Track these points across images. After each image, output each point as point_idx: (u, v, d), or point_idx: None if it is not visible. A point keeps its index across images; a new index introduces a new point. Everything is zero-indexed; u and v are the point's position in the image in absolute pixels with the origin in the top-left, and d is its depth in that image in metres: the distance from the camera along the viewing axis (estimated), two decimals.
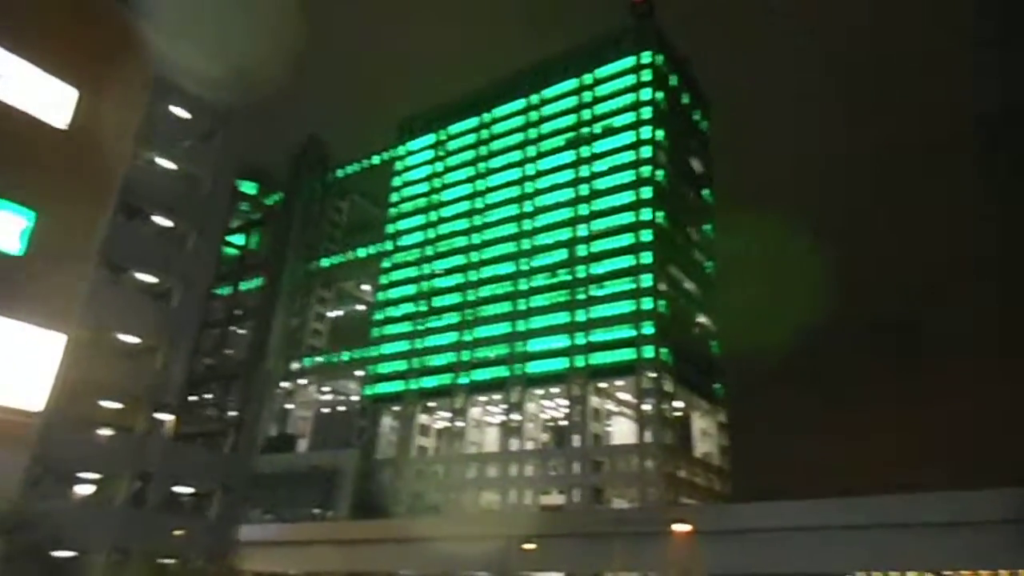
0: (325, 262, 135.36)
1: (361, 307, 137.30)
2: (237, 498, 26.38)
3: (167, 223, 29.77)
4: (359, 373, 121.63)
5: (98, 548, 23.51)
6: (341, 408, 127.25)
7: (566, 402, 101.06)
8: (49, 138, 21.07)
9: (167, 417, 28.94)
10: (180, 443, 30.59)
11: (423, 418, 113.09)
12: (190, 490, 29.82)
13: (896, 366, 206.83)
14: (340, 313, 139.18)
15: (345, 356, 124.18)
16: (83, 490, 23.82)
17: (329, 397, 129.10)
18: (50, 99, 21.53)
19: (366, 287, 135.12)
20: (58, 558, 18.76)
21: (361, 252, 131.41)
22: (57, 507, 18.85)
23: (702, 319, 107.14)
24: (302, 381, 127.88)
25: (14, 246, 20.19)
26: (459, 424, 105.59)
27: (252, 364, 37.35)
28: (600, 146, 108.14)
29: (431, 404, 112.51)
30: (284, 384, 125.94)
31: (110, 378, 25.54)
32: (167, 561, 24.29)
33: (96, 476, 24.87)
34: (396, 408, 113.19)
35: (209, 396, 38.69)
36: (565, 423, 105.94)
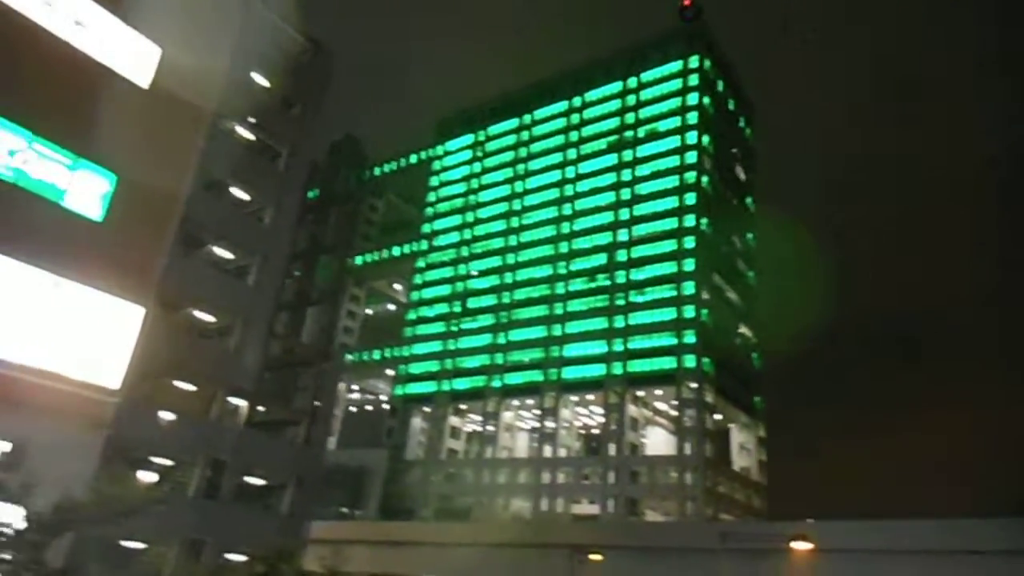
0: (358, 260, 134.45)
1: (392, 306, 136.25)
2: (309, 493, 24.87)
3: (244, 196, 28.43)
4: (390, 372, 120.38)
5: (169, 540, 22.11)
6: (370, 407, 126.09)
7: (600, 410, 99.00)
8: (131, 97, 19.79)
9: (241, 403, 27.52)
10: (254, 431, 29.14)
11: (454, 420, 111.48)
12: (261, 482, 28.31)
13: (927, 381, 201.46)
14: (372, 312, 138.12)
15: (376, 355, 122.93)
16: (148, 476, 22.39)
17: (358, 396, 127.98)
18: (133, 55, 20.27)
19: (398, 286, 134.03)
20: (128, 548, 17.23)
21: (395, 251, 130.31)
22: (127, 494, 17.28)
23: (743, 330, 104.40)
24: None
25: (94, 211, 18.90)
26: (491, 428, 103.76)
27: (323, 352, 35.88)
28: (643, 150, 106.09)
29: (462, 407, 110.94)
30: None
31: (184, 358, 24.13)
32: (240, 558, 22.71)
33: (167, 462, 23.45)
34: (427, 409, 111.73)
35: (279, 383, 37.43)
36: (597, 431, 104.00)
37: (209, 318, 26.64)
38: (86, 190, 18.68)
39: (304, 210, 31.03)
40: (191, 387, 25.61)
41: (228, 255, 28.01)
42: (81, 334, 17.47)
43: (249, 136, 28.74)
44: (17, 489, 14.97)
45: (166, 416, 21.98)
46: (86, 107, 19.09)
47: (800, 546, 19.15)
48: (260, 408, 29.40)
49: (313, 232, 39.72)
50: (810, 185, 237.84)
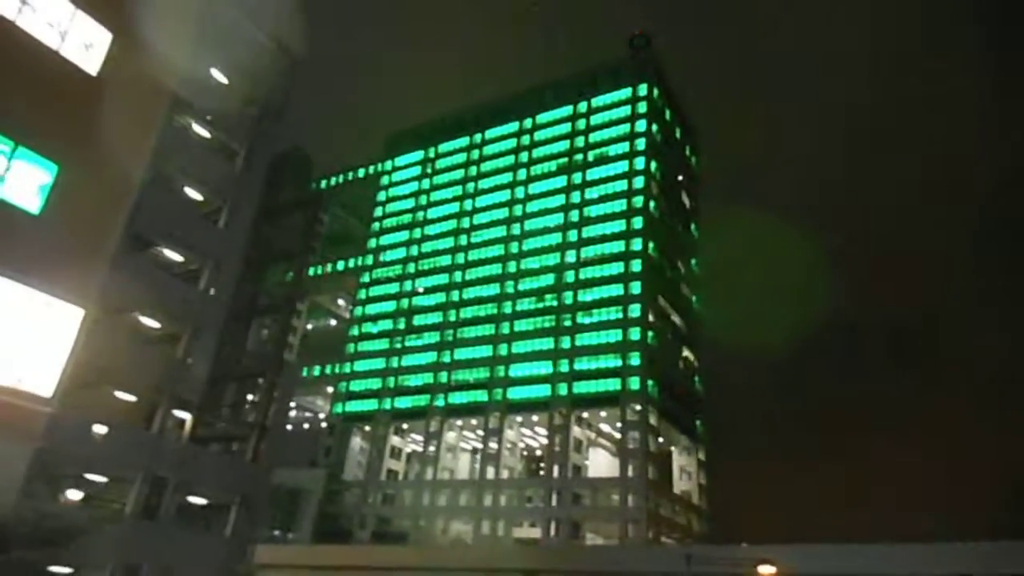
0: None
1: (334, 322, 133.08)
2: (255, 514, 23.06)
3: (197, 196, 26.58)
4: (329, 389, 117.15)
5: (101, 564, 20.06)
6: (307, 425, 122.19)
7: (544, 431, 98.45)
8: (77, 83, 18.29)
9: (185, 415, 25.45)
10: (198, 447, 27.01)
11: (395, 440, 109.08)
12: (203, 501, 26.17)
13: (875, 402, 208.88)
14: (312, 326, 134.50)
15: (316, 371, 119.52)
16: (75, 495, 20.45)
17: (295, 413, 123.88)
18: (81, 39, 18.82)
19: (341, 301, 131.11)
20: (55, 574, 15.56)
21: (339, 265, 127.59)
22: (54, 512, 15.69)
23: (686, 353, 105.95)
24: None
25: (32, 203, 17.26)
26: (432, 448, 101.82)
27: (274, 363, 34.06)
28: (592, 174, 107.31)
29: (404, 426, 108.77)
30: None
31: (126, 365, 22.16)
32: None
33: (100, 479, 21.39)
34: (367, 428, 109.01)
35: (224, 396, 35.28)
36: (540, 452, 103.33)
37: (154, 324, 24.72)
38: (24, 180, 17.07)
39: (260, 215, 29.57)
40: (131, 397, 23.64)
41: (178, 257, 26.12)
42: (10, 335, 15.82)
43: (205, 134, 27.14)
44: None
45: (101, 429, 20.13)
46: (26, 90, 17.51)
47: (765, 570, 18.97)
48: (206, 422, 27.55)
49: (267, 237, 38.04)
50: (762, 205, 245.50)
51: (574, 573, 45.31)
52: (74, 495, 20.27)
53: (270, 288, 38.60)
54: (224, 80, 27.20)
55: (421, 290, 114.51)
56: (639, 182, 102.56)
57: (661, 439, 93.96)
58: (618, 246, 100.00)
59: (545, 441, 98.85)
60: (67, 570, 17.20)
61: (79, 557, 15.32)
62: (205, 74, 26.16)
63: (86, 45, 18.92)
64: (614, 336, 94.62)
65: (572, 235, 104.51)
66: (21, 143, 16.95)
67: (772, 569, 18.85)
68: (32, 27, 17.79)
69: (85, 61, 18.83)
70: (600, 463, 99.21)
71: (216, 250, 26.04)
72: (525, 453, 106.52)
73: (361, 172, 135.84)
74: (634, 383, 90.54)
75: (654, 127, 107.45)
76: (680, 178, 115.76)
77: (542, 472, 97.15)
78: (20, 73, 17.37)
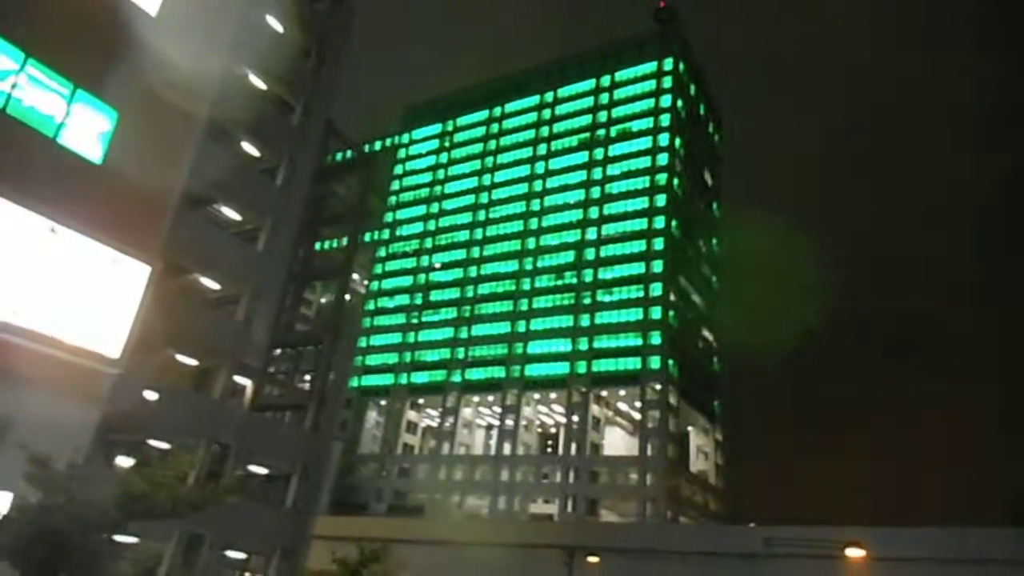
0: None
1: (348, 296, 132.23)
2: (316, 486, 22.26)
3: (254, 151, 25.35)
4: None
5: (165, 534, 19.32)
6: None
7: (560, 408, 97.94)
8: (136, 24, 17.15)
9: (246, 382, 24.55)
10: (259, 415, 26.17)
11: (411, 415, 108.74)
12: (263, 471, 25.42)
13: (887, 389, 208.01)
14: (326, 300, 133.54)
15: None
16: (126, 462, 19.63)
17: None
18: None
19: (356, 275, 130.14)
20: (118, 543, 14.78)
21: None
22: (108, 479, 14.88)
23: (705, 333, 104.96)
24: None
25: (94, 152, 16.20)
26: (449, 423, 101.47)
27: (333, 330, 33.16)
28: (615, 149, 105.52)
29: (420, 401, 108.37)
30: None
31: (187, 328, 21.19)
32: (240, 555, 20.17)
33: (162, 445, 20.54)
34: (382, 402, 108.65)
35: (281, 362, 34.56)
36: (554, 430, 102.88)
37: (214, 285, 23.71)
38: (85, 127, 16.01)
39: (319, 174, 28.37)
40: (192, 361, 22.73)
41: (235, 216, 24.99)
42: (78, 292, 14.85)
43: (261, 85, 25.87)
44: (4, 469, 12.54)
45: (164, 393, 19.26)
46: (85, 28, 16.37)
47: (854, 553, 18.14)
48: (261, 390, 26.70)
49: (322, 197, 37.19)
50: (782, 186, 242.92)
51: (621, 551, 44.29)
52: (125, 461, 19.47)
53: (322, 253, 37.55)
54: (280, 28, 25.86)
55: (438, 265, 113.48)
56: (663, 159, 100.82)
57: (679, 419, 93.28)
58: (640, 223, 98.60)
59: (560, 419, 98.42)
60: (132, 539, 16.45)
61: (141, 527, 14.47)
62: (261, 22, 24.87)
63: None
64: (635, 315, 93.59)
65: (593, 212, 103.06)
66: (81, 85, 15.89)
67: (861, 552, 18.02)
68: None
69: (145, 1, 17.68)
70: (616, 441, 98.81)
71: (274, 209, 24.93)
72: (540, 430, 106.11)
73: (378, 145, 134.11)
74: (655, 362, 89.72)
75: (679, 103, 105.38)
76: (704, 156, 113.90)
77: (558, 450, 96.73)
78: (80, 10, 16.25)
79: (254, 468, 25.05)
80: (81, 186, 15.47)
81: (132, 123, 16.73)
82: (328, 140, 33.15)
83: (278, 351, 36.33)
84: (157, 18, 17.62)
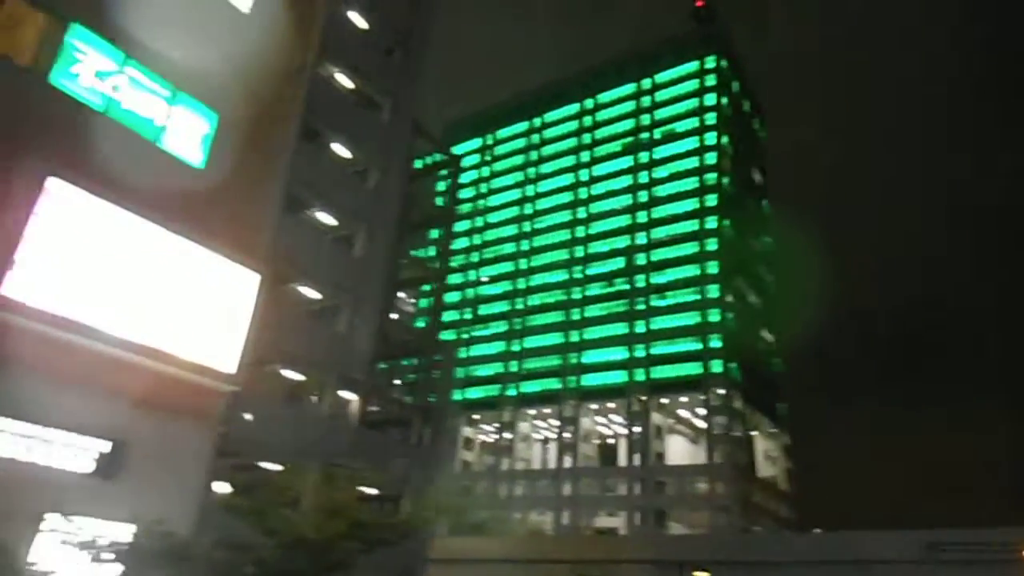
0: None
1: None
2: (427, 506, 21.29)
3: (345, 153, 24.33)
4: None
5: None
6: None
7: (618, 418, 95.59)
8: (232, 20, 16.29)
9: (352, 396, 23.38)
10: (368, 431, 25.11)
11: (467, 431, 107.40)
12: (373, 491, 24.15)
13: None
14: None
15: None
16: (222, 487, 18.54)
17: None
18: None
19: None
20: None
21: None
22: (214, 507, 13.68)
23: (765, 334, 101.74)
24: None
25: (195, 156, 15.25)
26: (507, 437, 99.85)
27: (431, 341, 32.14)
28: (660, 152, 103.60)
29: (475, 416, 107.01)
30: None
31: (294, 340, 20.17)
32: None
33: (274, 467, 19.40)
34: None
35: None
36: (612, 440, 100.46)
37: (314, 294, 22.63)
38: (186, 130, 15.15)
39: (411, 175, 27.37)
40: (299, 376, 21.64)
41: (331, 221, 23.92)
42: (190, 303, 13.85)
43: (348, 84, 24.92)
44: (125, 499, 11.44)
45: (273, 410, 18.25)
46: (183, 27, 15.54)
47: None
48: (371, 405, 25.60)
49: (411, 200, 36.14)
50: (820, 184, 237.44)
51: (753, 564, 41.29)
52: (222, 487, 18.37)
53: (411, 259, 36.62)
54: (364, 25, 24.97)
55: (485, 279, 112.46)
56: (711, 158, 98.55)
57: (744, 423, 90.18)
58: (691, 225, 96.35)
59: (619, 429, 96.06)
60: None
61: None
62: (343, 17, 23.98)
63: None
64: (692, 319, 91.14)
65: (642, 216, 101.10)
66: (181, 88, 15.01)
67: None
68: None
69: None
70: (677, 450, 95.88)
71: (369, 213, 23.86)
72: (598, 441, 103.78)
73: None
74: (716, 366, 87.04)
75: (723, 100, 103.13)
76: (750, 153, 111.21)
77: (618, 461, 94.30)
78: (177, 9, 15.43)
79: (364, 489, 23.81)
80: (185, 191, 14.53)
81: (231, 125, 15.83)
82: (415, 141, 31.87)
83: (383, 364, 35.25)
84: (249, 16, 16.76)
